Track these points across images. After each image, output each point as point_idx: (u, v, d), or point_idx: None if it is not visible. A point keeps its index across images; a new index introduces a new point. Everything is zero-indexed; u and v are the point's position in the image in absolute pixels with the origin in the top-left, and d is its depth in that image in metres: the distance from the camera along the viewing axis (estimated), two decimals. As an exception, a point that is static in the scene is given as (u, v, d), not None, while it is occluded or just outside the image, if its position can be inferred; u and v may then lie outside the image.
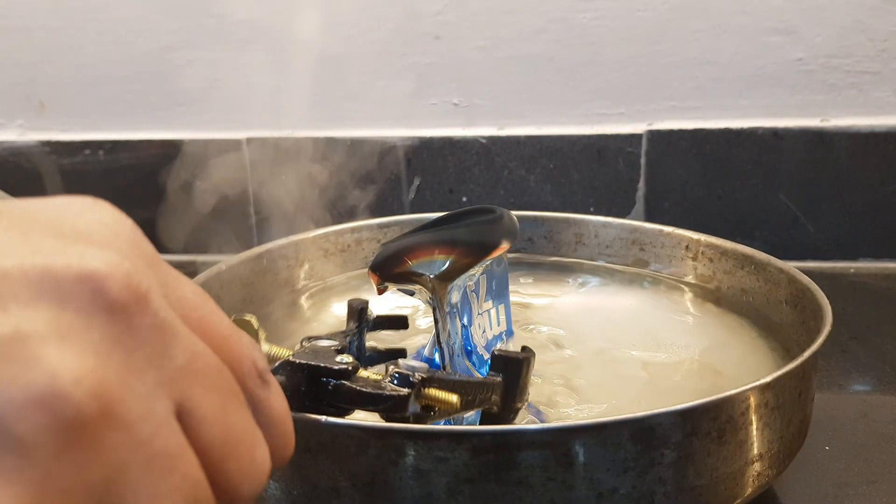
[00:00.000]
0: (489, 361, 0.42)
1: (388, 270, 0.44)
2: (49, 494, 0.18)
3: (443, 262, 0.44)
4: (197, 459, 0.21)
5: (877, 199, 0.81)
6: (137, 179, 0.90)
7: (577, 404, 0.50)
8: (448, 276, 0.44)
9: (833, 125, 0.81)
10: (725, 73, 0.82)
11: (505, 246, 0.46)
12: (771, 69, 0.81)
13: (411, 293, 0.45)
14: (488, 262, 0.47)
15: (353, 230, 0.67)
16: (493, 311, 0.49)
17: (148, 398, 0.20)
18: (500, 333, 0.50)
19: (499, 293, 0.50)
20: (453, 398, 0.35)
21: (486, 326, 0.48)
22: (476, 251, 0.45)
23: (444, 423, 0.41)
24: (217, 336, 0.23)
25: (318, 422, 0.35)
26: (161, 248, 0.90)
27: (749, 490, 0.40)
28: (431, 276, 0.43)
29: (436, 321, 0.44)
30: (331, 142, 0.87)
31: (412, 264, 0.44)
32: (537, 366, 0.51)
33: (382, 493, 0.36)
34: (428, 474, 0.35)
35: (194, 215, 0.88)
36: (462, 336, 0.45)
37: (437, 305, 0.43)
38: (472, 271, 0.46)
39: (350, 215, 0.87)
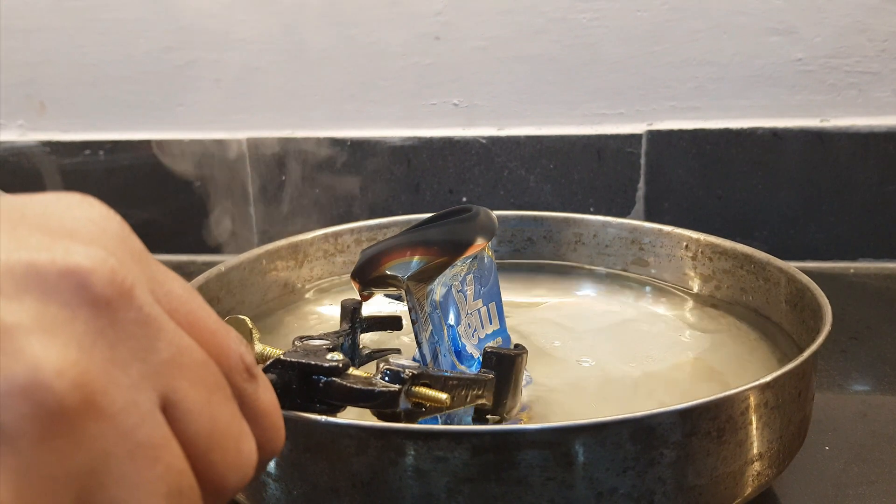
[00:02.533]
0: (480, 359, 0.42)
1: (366, 275, 0.45)
2: (31, 481, 0.19)
3: (417, 264, 0.44)
4: (181, 451, 0.21)
5: (877, 199, 0.81)
6: (137, 179, 0.91)
7: (574, 405, 0.50)
8: (423, 277, 0.44)
9: (833, 125, 0.81)
10: (725, 73, 0.82)
11: (480, 243, 0.47)
12: (771, 69, 0.81)
13: (398, 297, 0.45)
14: (471, 261, 0.47)
15: (352, 231, 0.67)
16: (483, 310, 0.49)
17: (132, 390, 0.21)
18: (493, 332, 0.50)
19: (488, 292, 0.50)
20: (442, 396, 0.35)
21: (476, 326, 0.48)
22: (450, 250, 0.45)
23: (444, 420, 0.41)
24: (204, 331, 0.23)
25: (318, 422, 0.35)
26: (159, 247, 0.90)
27: (749, 490, 0.40)
28: (405, 278, 0.43)
29: (413, 322, 0.44)
30: (330, 142, 0.87)
31: (387, 267, 0.44)
32: (532, 370, 0.51)
33: (382, 493, 0.36)
34: (428, 474, 0.35)
35: (194, 215, 0.88)
36: (449, 336, 0.45)
37: (414, 306, 0.43)
38: (455, 270, 0.46)
39: (349, 215, 0.87)
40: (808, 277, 0.52)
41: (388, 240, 0.46)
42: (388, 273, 0.44)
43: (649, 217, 0.84)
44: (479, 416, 0.42)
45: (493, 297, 0.51)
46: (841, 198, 0.82)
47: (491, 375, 0.40)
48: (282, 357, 0.34)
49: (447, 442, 0.35)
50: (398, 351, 0.50)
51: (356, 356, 0.47)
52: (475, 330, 0.48)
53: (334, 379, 0.33)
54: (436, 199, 0.86)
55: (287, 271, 0.64)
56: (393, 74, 0.86)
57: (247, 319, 0.39)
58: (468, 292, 0.48)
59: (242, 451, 0.23)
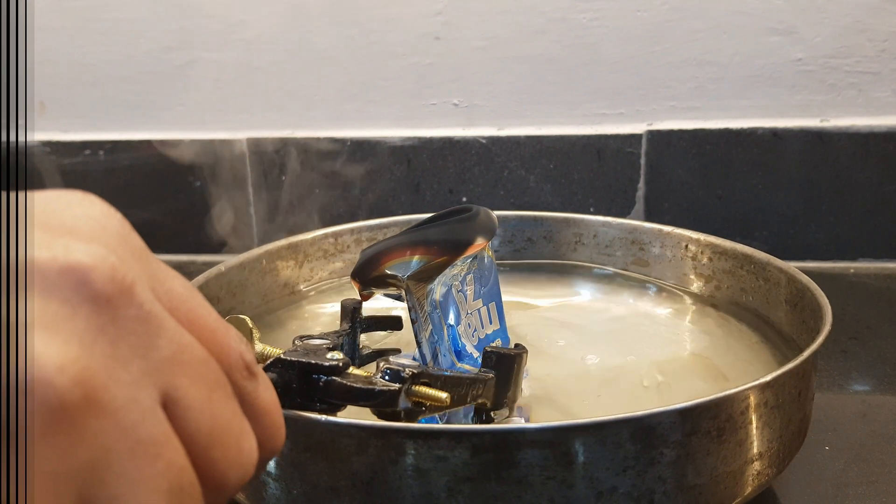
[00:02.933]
0: (480, 359, 0.42)
1: (366, 275, 0.45)
2: (32, 477, 0.19)
3: (417, 263, 0.44)
4: (182, 447, 0.22)
5: (876, 199, 0.81)
6: (137, 179, 0.90)
7: (574, 404, 0.50)
8: (423, 277, 0.44)
9: (833, 125, 0.81)
10: (725, 73, 0.82)
11: (480, 243, 0.47)
12: (771, 69, 0.81)
13: (398, 297, 0.45)
14: (471, 261, 0.47)
15: (352, 231, 0.67)
16: (483, 310, 0.49)
17: (132, 387, 0.21)
18: (493, 332, 0.50)
19: (489, 292, 0.50)
20: (442, 395, 0.35)
21: (476, 326, 0.48)
22: (450, 250, 0.45)
23: (444, 419, 0.41)
24: (204, 329, 0.23)
25: (318, 421, 0.35)
26: (159, 247, 0.90)
27: (749, 489, 0.40)
28: (405, 277, 0.43)
29: (413, 322, 0.44)
30: (331, 142, 0.87)
31: (387, 267, 0.44)
32: (533, 369, 0.51)
33: (382, 492, 0.36)
34: (428, 473, 0.35)
35: (194, 215, 0.88)
36: (449, 336, 0.45)
37: (414, 306, 0.43)
38: (455, 270, 0.46)
39: (349, 215, 0.87)
40: (808, 277, 0.52)
41: (388, 239, 0.46)
42: (388, 272, 0.44)
43: (649, 217, 0.84)
44: (479, 415, 0.42)
45: (493, 298, 0.51)
46: (841, 198, 0.82)
47: (491, 375, 0.40)
48: (282, 356, 0.34)
49: (447, 441, 0.35)
50: (398, 350, 0.50)
51: (356, 356, 0.47)
52: (475, 330, 0.48)
53: (334, 378, 0.33)
54: (436, 199, 0.86)
55: (287, 271, 0.64)
56: (393, 74, 0.86)
57: (247, 319, 0.39)
58: (468, 292, 0.48)
59: (243, 448, 0.23)
